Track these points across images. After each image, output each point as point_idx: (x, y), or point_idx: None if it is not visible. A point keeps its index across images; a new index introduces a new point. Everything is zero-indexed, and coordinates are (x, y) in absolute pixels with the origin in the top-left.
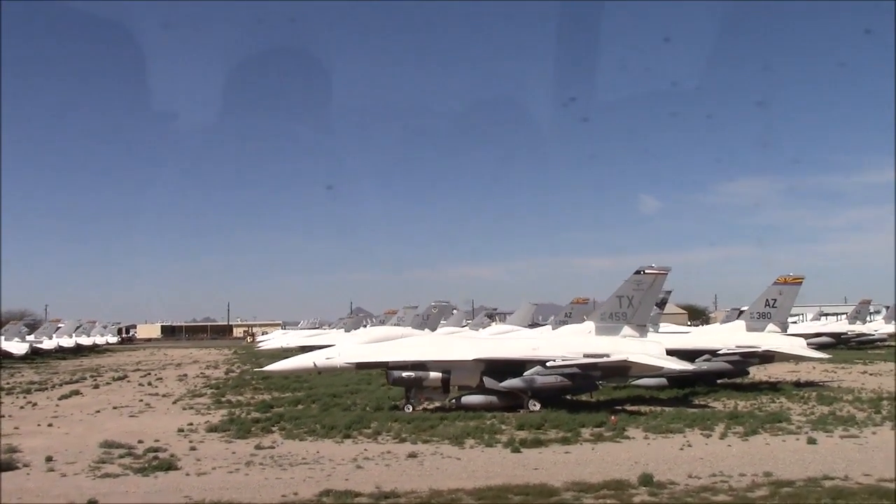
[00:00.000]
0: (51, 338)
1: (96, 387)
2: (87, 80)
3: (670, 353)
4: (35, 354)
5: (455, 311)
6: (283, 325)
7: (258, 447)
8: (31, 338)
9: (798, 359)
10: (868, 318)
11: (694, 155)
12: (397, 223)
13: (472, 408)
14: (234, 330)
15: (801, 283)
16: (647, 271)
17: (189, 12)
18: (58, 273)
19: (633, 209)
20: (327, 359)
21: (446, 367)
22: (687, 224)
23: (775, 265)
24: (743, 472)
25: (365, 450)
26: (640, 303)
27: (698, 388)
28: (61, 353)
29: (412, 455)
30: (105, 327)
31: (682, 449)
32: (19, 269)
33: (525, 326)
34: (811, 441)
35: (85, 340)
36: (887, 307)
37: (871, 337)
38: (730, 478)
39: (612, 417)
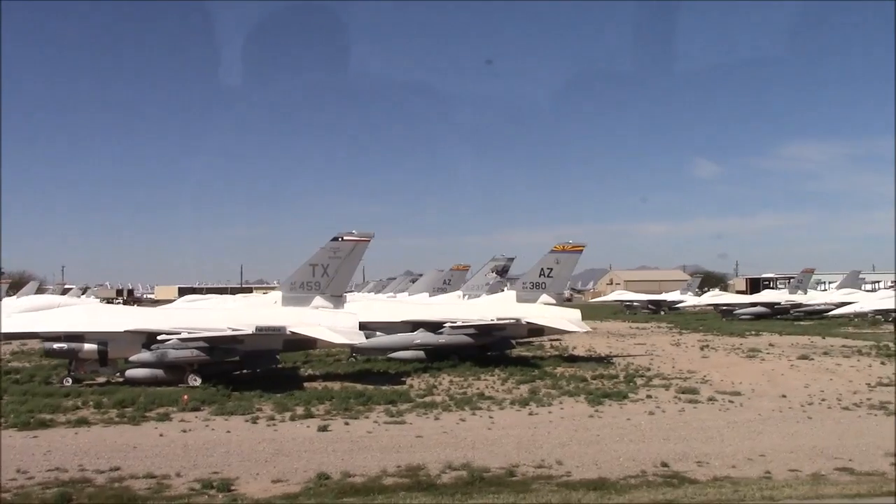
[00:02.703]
0: None
1: None
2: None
3: (420, 324)
4: None
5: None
6: None
7: None
8: None
9: (562, 332)
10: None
11: (752, 118)
12: (455, 189)
13: (139, 381)
14: (255, 292)
15: (581, 251)
16: (345, 238)
17: None
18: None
19: (688, 173)
20: None
21: (102, 339)
22: (746, 189)
23: (838, 232)
24: (103, 467)
25: None
26: (337, 272)
27: (443, 363)
28: None
29: None
30: (84, 290)
31: (162, 435)
32: (38, 236)
33: (431, 292)
34: (323, 429)
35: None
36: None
37: (809, 307)
38: (64, 471)
39: (184, 396)
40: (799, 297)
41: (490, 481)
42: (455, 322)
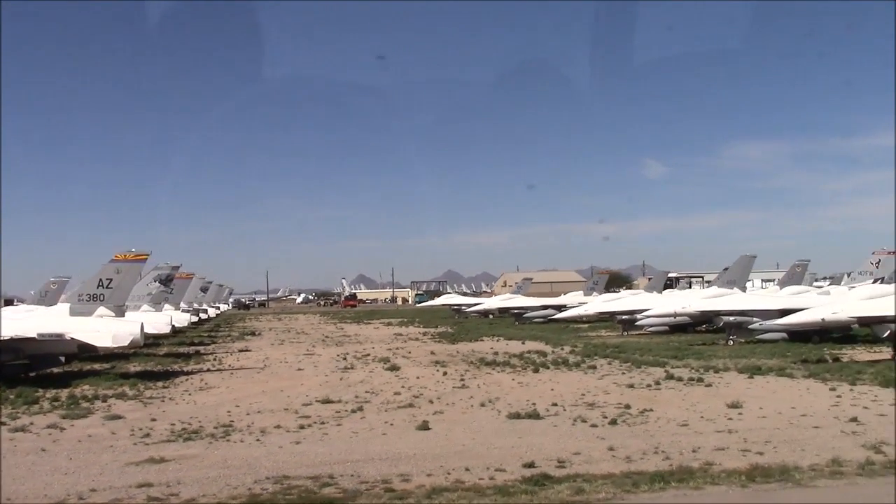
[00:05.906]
0: None
1: None
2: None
3: None
4: None
5: None
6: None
7: None
8: None
9: (106, 349)
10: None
11: (700, 118)
12: (405, 191)
13: None
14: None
15: (145, 259)
16: None
17: None
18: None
19: (637, 174)
20: None
21: None
22: (693, 188)
23: (781, 229)
24: None
25: None
26: None
27: None
28: None
29: None
30: None
31: None
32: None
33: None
34: None
35: None
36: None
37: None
38: None
39: None
40: (590, 300)
41: None
42: None
